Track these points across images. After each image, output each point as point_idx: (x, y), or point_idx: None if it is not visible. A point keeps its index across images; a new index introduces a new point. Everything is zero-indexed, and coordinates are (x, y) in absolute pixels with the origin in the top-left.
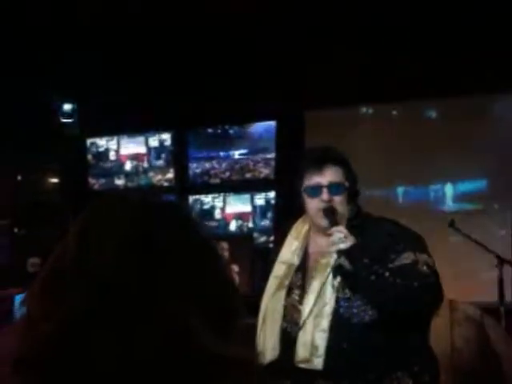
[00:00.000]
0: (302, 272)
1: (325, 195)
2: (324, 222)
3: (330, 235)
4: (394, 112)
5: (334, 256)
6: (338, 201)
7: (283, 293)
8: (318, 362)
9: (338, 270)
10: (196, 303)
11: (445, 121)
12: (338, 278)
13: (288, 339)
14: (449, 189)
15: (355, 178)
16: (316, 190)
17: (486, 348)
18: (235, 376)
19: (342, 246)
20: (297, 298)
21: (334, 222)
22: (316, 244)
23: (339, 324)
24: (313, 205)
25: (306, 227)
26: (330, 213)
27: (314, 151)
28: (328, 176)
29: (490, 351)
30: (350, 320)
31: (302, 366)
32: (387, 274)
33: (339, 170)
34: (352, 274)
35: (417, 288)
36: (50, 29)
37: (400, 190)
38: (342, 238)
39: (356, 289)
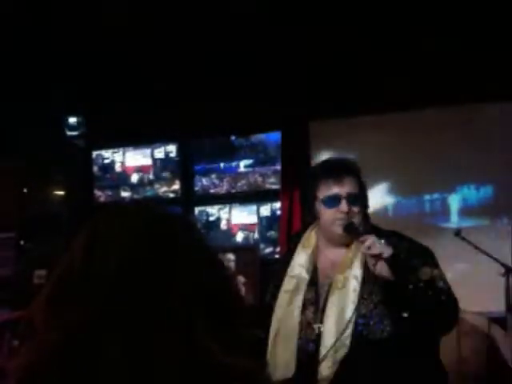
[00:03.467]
0: (315, 288)
1: (343, 206)
2: (341, 231)
3: (347, 247)
4: (398, 121)
5: (353, 270)
6: (356, 211)
7: (297, 309)
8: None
9: (377, 279)
10: (202, 313)
11: (445, 127)
12: (357, 294)
13: (303, 356)
14: (452, 200)
15: (366, 189)
16: (335, 201)
17: (494, 358)
18: None
19: (386, 252)
20: (311, 314)
21: (357, 236)
22: (326, 258)
23: (358, 341)
24: (330, 215)
25: (314, 240)
26: (351, 228)
27: (332, 161)
28: (347, 187)
29: (497, 361)
30: (367, 337)
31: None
32: (421, 284)
33: (357, 181)
34: (393, 282)
35: (445, 302)
36: (57, 41)
37: (404, 201)
38: (381, 242)
39: (394, 297)
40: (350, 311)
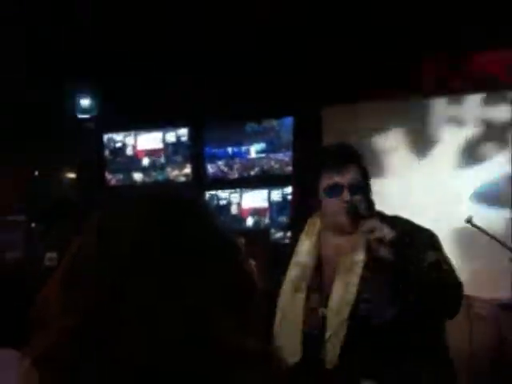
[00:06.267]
0: (319, 274)
1: (345, 195)
2: (343, 220)
3: (351, 234)
4: (410, 107)
5: (357, 254)
6: (358, 200)
7: (301, 296)
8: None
9: (379, 260)
10: (216, 295)
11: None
12: (358, 277)
13: (309, 342)
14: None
15: (369, 175)
16: (336, 190)
17: (503, 344)
18: (254, 367)
19: (388, 235)
20: (316, 300)
21: (360, 219)
22: (329, 244)
23: (360, 325)
24: (332, 204)
25: (318, 226)
26: (354, 212)
27: (332, 150)
28: (349, 176)
29: (507, 347)
30: (370, 321)
31: (330, 365)
32: (425, 267)
33: (358, 169)
34: (396, 265)
35: (449, 284)
36: (67, 26)
37: (414, 187)
38: (383, 225)
39: (397, 279)
40: (352, 294)
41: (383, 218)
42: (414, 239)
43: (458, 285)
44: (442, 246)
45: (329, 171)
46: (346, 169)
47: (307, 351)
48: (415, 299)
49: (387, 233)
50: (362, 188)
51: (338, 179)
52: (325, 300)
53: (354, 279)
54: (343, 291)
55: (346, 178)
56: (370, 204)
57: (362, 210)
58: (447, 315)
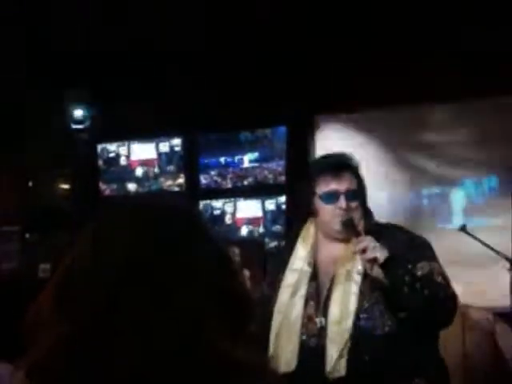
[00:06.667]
0: (316, 282)
1: (342, 202)
2: (339, 227)
3: (347, 242)
4: (401, 116)
5: (355, 264)
6: (354, 207)
7: (299, 303)
8: (343, 369)
9: (373, 281)
10: (211, 306)
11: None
12: (357, 287)
13: (305, 350)
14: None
15: (365, 184)
16: (333, 197)
17: (498, 353)
18: (249, 378)
19: (380, 255)
20: (312, 309)
21: (355, 233)
22: (326, 251)
23: (361, 336)
24: (328, 211)
25: (313, 234)
26: (349, 224)
27: (331, 157)
28: (345, 183)
29: (502, 356)
30: (371, 331)
31: (332, 376)
32: (418, 284)
33: (355, 177)
34: (388, 286)
35: (442, 299)
36: (61, 35)
37: (401, 195)
38: (376, 245)
39: (390, 300)
40: (352, 304)
41: (378, 231)
42: (407, 248)
43: (450, 297)
44: (435, 254)
45: (326, 177)
46: (343, 176)
47: (304, 360)
48: (407, 315)
49: (380, 254)
50: (359, 196)
51: (335, 186)
52: (322, 309)
53: (354, 289)
54: (343, 301)
55: (343, 184)
56: (365, 213)
57: (358, 217)
58: (439, 327)
